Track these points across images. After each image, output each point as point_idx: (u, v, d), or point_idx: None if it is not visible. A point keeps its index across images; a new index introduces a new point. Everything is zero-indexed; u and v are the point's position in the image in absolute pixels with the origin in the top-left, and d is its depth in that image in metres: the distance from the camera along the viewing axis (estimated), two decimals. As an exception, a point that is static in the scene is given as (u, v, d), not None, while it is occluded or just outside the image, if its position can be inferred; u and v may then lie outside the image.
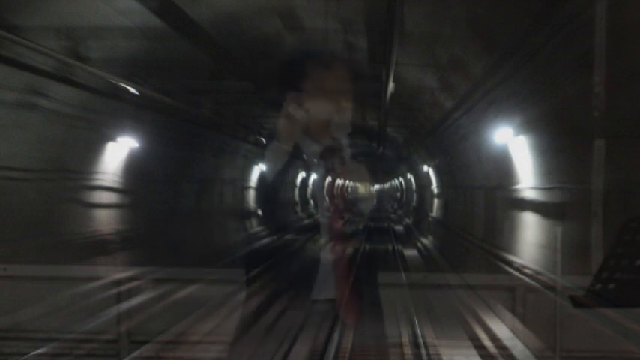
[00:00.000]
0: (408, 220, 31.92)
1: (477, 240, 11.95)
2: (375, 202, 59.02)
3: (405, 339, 8.82)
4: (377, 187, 63.12)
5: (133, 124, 10.32)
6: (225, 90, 11.98)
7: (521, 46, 6.71)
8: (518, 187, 8.86)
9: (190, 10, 7.46)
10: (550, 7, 5.72)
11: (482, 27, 7.26)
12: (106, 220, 10.40)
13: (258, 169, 21.62)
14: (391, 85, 8.84)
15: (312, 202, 38.30)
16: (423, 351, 8.16)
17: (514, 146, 8.58)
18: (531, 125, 7.80)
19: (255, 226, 22.01)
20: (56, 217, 8.84)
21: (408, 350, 8.29)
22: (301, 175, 32.98)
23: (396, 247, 21.30)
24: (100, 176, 10.04)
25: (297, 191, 32.82)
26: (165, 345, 7.99)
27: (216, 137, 15.26)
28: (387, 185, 59.08)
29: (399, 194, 46.71)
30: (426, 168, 20.76)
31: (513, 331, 8.11)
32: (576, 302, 4.97)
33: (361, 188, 63.20)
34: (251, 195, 21.78)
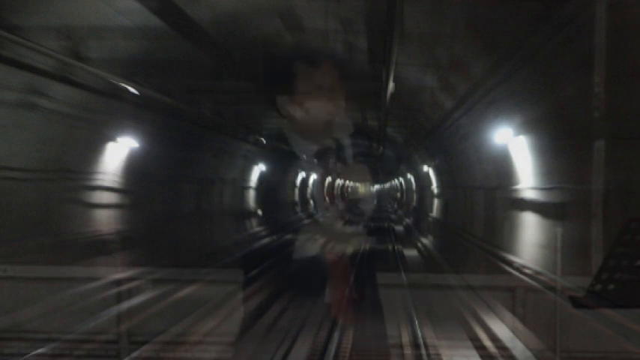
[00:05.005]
0: (408, 220, 31.91)
1: (477, 240, 11.95)
2: (375, 202, 59.07)
3: (405, 339, 8.82)
4: (377, 187, 63.18)
5: (133, 124, 10.32)
6: (225, 90, 11.97)
7: (521, 47, 6.70)
8: (518, 187, 8.86)
9: (190, 10, 7.46)
10: (550, 7, 5.72)
11: (482, 27, 7.26)
12: (105, 220, 10.40)
13: (258, 169, 21.63)
14: (391, 85, 8.83)
15: (312, 202, 38.33)
16: (423, 351, 8.16)
17: (514, 146, 8.57)
18: (531, 125, 7.80)
19: (255, 226, 22.01)
20: (56, 217, 8.84)
21: (408, 351, 8.29)
22: (301, 175, 33.00)
23: (396, 247, 21.30)
24: (100, 176, 10.04)
25: (297, 191, 32.83)
26: (166, 345, 7.99)
27: (216, 137, 15.26)
28: (387, 185, 59.11)
29: (399, 194, 46.70)
30: (426, 168, 20.76)
31: (514, 331, 8.11)
32: (576, 303, 4.97)
33: (361, 188, 63.30)
34: (251, 195, 21.79)
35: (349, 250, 20.91)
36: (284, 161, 25.49)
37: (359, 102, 14.27)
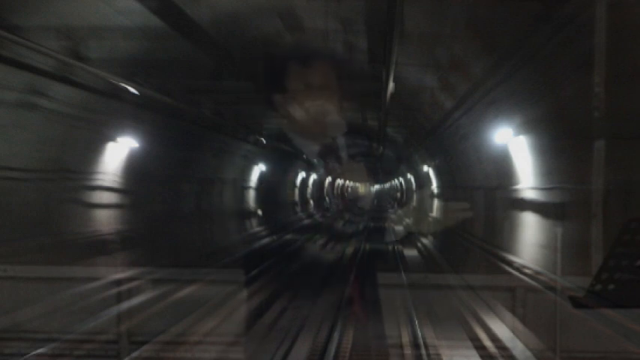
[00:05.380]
0: (407, 220, 31.91)
1: (477, 240, 11.94)
2: (375, 201, 59.15)
3: (405, 339, 8.82)
4: (377, 187, 63.23)
5: (133, 124, 10.32)
6: (225, 90, 11.98)
7: (521, 47, 6.70)
8: (518, 187, 8.86)
9: (190, 10, 7.46)
10: (550, 7, 5.72)
11: (482, 27, 7.26)
12: (105, 220, 10.41)
13: (258, 169, 21.63)
14: (391, 85, 8.83)
15: (312, 202, 38.34)
16: (423, 351, 8.16)
17: (514, 146, 8.57)
18: (531, 125, 7.80)
19: (255, 226, 22.01)
20: (56, 217, 8.84)
21: (408, 351, 8.29)
22: (301, 175, 33.01)
23: (396, 247, 21.31)
24: (99, 176, 10.04)
25: (297, 191, 32.85)
26: (166, 345, 8.00)
27: (216, 137, 15.26)
28: (387, 185, 59.12)
29: (398, 194, 46.71)
30: (426, 168, 20.76)
31: (514, 331, 8.11)
32: (576, 303, 4.97)
33: (361, 188, 63.32)
34: (251, 195, 21.79)
35: (349, 250, 20.94)
36: (284, 161, 25.50)
37: (359, 102, 14.27)
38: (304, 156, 27.39)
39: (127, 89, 8.50)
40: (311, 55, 10.19)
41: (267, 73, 10.76)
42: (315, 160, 31.41)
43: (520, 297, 7.80)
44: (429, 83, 10.87)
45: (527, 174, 8.36)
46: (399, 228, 30.45)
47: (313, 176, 36.51)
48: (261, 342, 8.91)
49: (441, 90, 10.81)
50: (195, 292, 10.68)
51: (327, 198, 45.40)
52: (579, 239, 6.22)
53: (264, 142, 18.12)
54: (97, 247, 9.92)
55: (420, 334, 8.90)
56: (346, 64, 10.61)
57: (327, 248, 21.86)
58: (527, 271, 7.94)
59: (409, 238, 24.24)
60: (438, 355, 8.03)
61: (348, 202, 53.50)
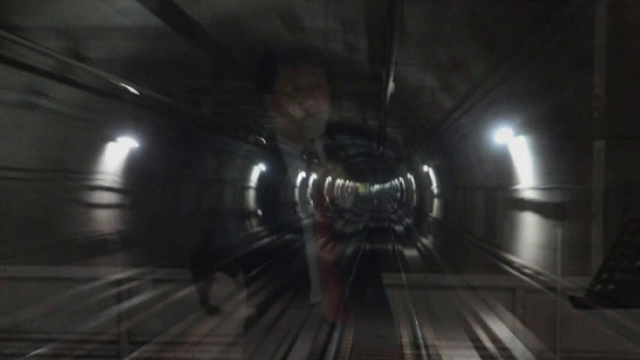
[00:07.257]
0: (408, 220, 31.92)
1: (477, 240, 11.94)
2: (375, 201, 59.16)
3: (405, 339, 8.82)
4: (377, 187, 63.26)
5: (133, 124, 10.31)
6: (225, 90, 11.97)
7: (521, 47, 6.70)
8: (518, 187, 8.86)
9: (190, 10, 7.46)
10: (550, 7, 5.72)
11: (482, 27, 7.26)
12: (105, 220, 10.40)
13: (258, 169, 21.63)
14: (391, 85, 8.83)
15: (312, 202, 38.32)
16: (423, 352, 8.16)
17: (514, 146, 8.57)
18: (531, 125, 7.80)
19: (255, 226, 22.00)
20: (56, 217, 8.84)
21: (408, 350, 8.29)
22: (301, 175, 32.99)
23: (395, 247, 21.30)
24: (100, 176, 10.04)
25: (296, 191, 32.83)
26: (165, 345, 7.99)
27: (216, 137, 15.26)
28: (387, 185, 59.16)
29: (398, 194, 46.75)
30: (426, 168, 20.76)
31: (514, 331, 8.11)
32: (577, 303, 4.97)
33: (361, 188, 63.38)
34: (251, 195, 21.78)
35: (349, 250, 20.92)
36: (284, 161, 25.49)
37: (359, 102, 14.27)
38: (304, 156, 27.38)
39: (127, 89, 8.49)
40: (311, 55, 10.19)
41: (267, 72, 10.75)
42: (315, 160, 31.40)
43: (520, 297, 7.79)
44: (429, 83, 10.86)
45: (527, 174, 8.36)
46: (399, 228, 30.45)
47: (313, 176, 36.50)
48: (261, 342, 8.91)
49: (441, 90, 10.81)
50: (195, 293, 10.66)
51: (327, 198, 45.38)
52: (579, 239, 6.22)
53: (264, 142, 18.12)
54: (97, 247, 9.91)
55: (420, 334, 8.90)
56: (346, 64, 10.61)
57: (327, 248, 21.82)
58: (527, 271, 7.94)
59: (409, 238, 24.24)
60: (438, 355, 8.02)
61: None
